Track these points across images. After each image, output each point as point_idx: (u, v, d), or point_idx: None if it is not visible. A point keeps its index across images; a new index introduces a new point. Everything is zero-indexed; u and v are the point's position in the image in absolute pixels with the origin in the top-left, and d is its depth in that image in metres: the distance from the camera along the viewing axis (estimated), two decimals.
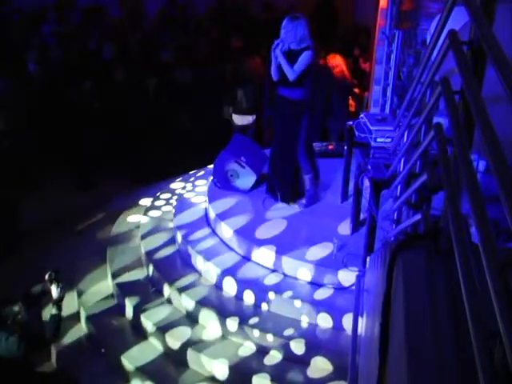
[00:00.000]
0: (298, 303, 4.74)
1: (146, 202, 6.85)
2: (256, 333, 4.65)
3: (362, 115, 5.30)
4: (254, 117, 8.00)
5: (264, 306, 4.86)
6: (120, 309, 5.34)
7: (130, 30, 9.88)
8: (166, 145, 8.31)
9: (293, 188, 5.71)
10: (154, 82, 8.12)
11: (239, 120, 7.99)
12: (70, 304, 5.52)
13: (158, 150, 8.31)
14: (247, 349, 4.68)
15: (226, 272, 5.09)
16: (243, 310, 4.87)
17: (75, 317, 5.40)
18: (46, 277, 4.32)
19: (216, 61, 8.77)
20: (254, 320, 4.75)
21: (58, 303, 4.23)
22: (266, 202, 5.74)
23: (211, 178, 6.37)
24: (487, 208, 1.49)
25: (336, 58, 7.48)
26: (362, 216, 5.15)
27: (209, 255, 5.31)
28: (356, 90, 7.75)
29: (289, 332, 4.62)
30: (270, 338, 4.61)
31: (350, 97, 7.62)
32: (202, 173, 7.16)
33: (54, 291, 4.26)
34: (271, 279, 4.96)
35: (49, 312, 4.35)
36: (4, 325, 4.01)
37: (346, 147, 5.61)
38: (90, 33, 9.53)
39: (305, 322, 4.70)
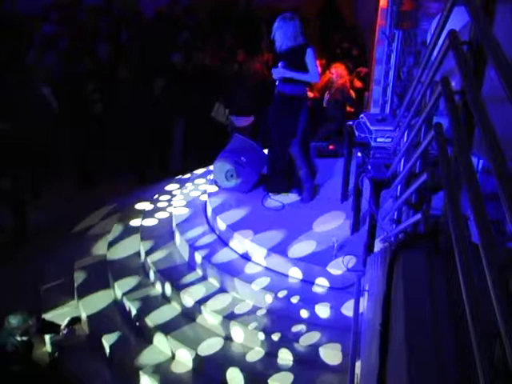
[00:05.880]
0: (300, 304, 4.73)
1: (146, 201, 6.83)
2: (258, 333, 4.66)
3: (362, 115, 5.30)
4: (253, 118, 7.98)
5: (265, 306, 4.86)
6: (120, 308, 5.35)
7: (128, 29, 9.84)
8: (167, 144, 8.31)
9: (283, 179, 5.78)
10: (161, 83, 8.06)
11: (238, 121, 7.96)
12: (71, 303, 5.55)
13: (158, 149, 8.33)
14: (243, 348, 4.69)
15: (228, 272, 5.10)
16: (244, 310, 4.87)
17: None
18: (65, 322, 4.94)
19: (216, 61, 8.75)
20: (254, 319, 4.76)
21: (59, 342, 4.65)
22: (266, 202, 5.75)
23: (211, 177, 6.36)
24: (487, 208, 1.49)
25: (340, 69, 7.41)
26: (361, 216, 5.15)
27: (208, 254, 5.31)
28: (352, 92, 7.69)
29: (289, 332, 4.63)
30: (266, 337, 4.61)
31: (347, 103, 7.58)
32: (202, 172, 7.15)
33: (63, 333, 4.84)
34: (272, 280, 4.96)
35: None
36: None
37: (345, 147, 5.61)
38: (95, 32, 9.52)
39: (305, 322, 4.70)
